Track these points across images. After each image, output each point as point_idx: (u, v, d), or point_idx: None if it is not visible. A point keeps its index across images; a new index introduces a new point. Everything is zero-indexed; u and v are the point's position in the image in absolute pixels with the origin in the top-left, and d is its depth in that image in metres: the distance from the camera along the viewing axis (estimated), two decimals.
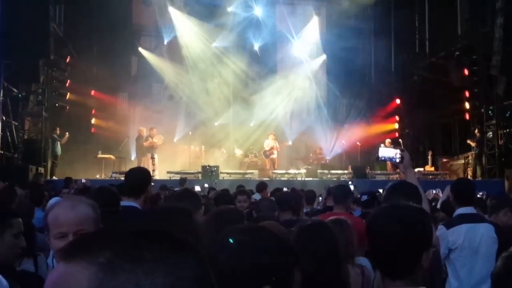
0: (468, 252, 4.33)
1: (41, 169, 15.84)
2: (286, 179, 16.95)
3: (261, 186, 9.36)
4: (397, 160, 3.29)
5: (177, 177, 16.49)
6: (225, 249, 1.30)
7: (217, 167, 16.92)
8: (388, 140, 18.13)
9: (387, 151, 3.39)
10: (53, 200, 4.73)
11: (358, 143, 18.97)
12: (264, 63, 21.59)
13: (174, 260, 0.75)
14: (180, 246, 0.79)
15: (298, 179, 17.08)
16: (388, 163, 16.06)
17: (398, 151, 3.30)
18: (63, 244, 2.02)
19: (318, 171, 18.21)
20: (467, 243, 4.33)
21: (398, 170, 13.87)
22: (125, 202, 3.84)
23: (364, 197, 5.97)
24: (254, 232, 1.37)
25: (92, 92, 19.82)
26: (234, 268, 1.25)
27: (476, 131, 16.90)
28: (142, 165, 13.90)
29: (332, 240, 2.44)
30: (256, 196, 8.38)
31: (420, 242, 1.79)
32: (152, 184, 4.29)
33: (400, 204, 2.01)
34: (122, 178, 5.61)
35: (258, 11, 21.51)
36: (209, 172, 16.34)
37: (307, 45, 22.07)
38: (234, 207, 4.06)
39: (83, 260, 0.73)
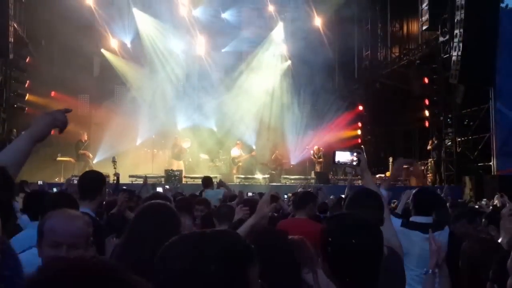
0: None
1: None
2: (249, 183, 16.93)
3: (207, 182, 9.62)
4: (354, 163, 3.27)
5: (140, 181, 16.26)
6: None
7: (180, 171, 16.75)
8: (316, 147, 18.49)
9: (343, 155, 3.37)
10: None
11: (321, 148, 19.11)
12: (230, 67, 21.51)
13: None
14: None
15: (262, 184, 17.09)
16: None
17: (354, 153, 3.27)
18: (55, 253, 2.18)
19: (282, 176, 18.34)
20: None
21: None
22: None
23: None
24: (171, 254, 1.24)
25: (52, 93, 19.35)
26: None
27: (434, 138, 17.28)
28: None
29: (282, 248, 2.42)
30: (207, 194, 8.59)
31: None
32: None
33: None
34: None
35: (224, 14, 21.48)
36: (172, 176, 16.16)
37: (272, 50, 22.14)
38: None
39: None
